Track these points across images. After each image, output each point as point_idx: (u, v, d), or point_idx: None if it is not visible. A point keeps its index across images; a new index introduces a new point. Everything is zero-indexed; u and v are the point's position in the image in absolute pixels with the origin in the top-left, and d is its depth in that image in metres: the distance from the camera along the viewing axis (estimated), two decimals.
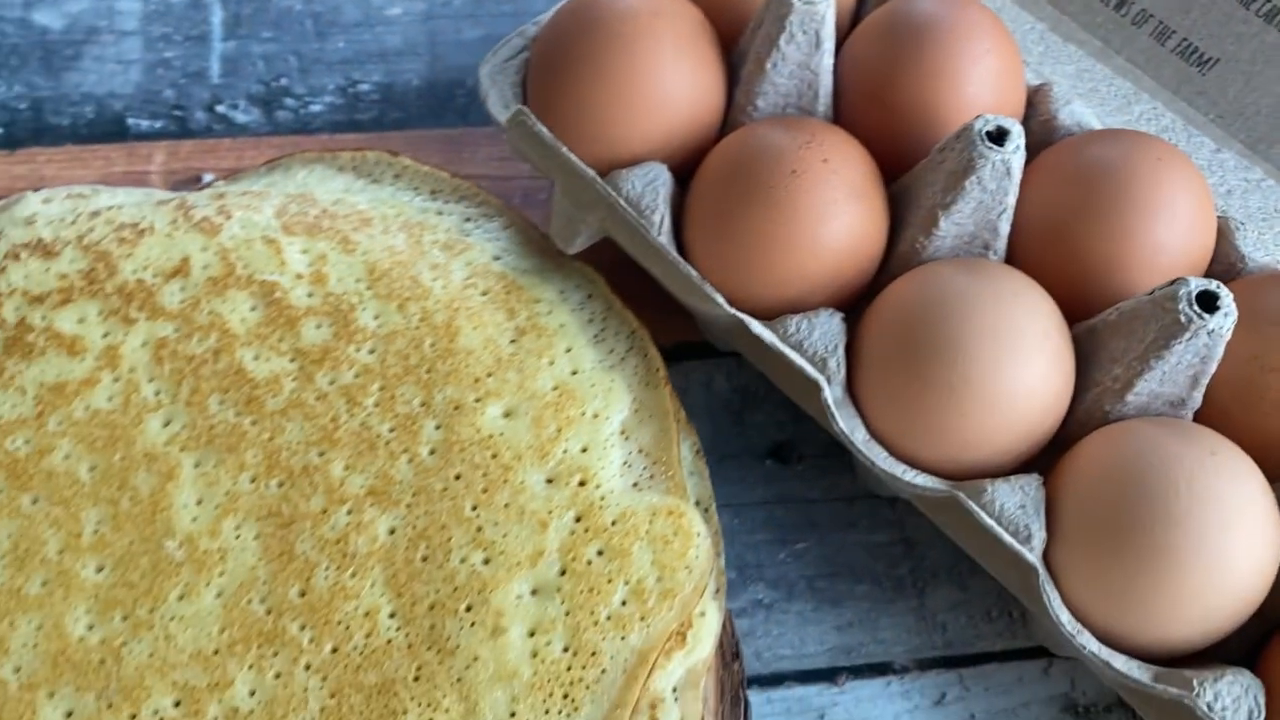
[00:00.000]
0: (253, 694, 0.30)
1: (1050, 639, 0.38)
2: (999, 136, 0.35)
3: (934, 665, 0.39)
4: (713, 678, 0.32)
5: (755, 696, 0.38)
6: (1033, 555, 0.33)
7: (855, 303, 0.38)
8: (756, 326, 0.35)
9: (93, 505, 0.32)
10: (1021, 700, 0.38)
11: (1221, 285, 0.33)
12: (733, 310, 0.35)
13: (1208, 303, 0.33)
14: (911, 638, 0.39)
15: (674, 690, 0.31)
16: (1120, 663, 0.33)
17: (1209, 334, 0.33)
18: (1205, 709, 0.31)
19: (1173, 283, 0.33)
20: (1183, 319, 0.32)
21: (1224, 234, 0.39)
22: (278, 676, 0.30)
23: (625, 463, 0.33)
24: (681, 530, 0.32)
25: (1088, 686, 0.39)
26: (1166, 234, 0.37)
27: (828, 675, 0.39)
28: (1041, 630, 0.38)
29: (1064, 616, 0.33)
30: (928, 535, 0.41)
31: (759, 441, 0.42)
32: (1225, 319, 0.33)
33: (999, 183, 0.35)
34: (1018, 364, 0.34)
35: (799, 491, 0.41)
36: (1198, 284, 0.33)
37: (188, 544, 0.31)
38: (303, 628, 0.30)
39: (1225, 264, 0.39)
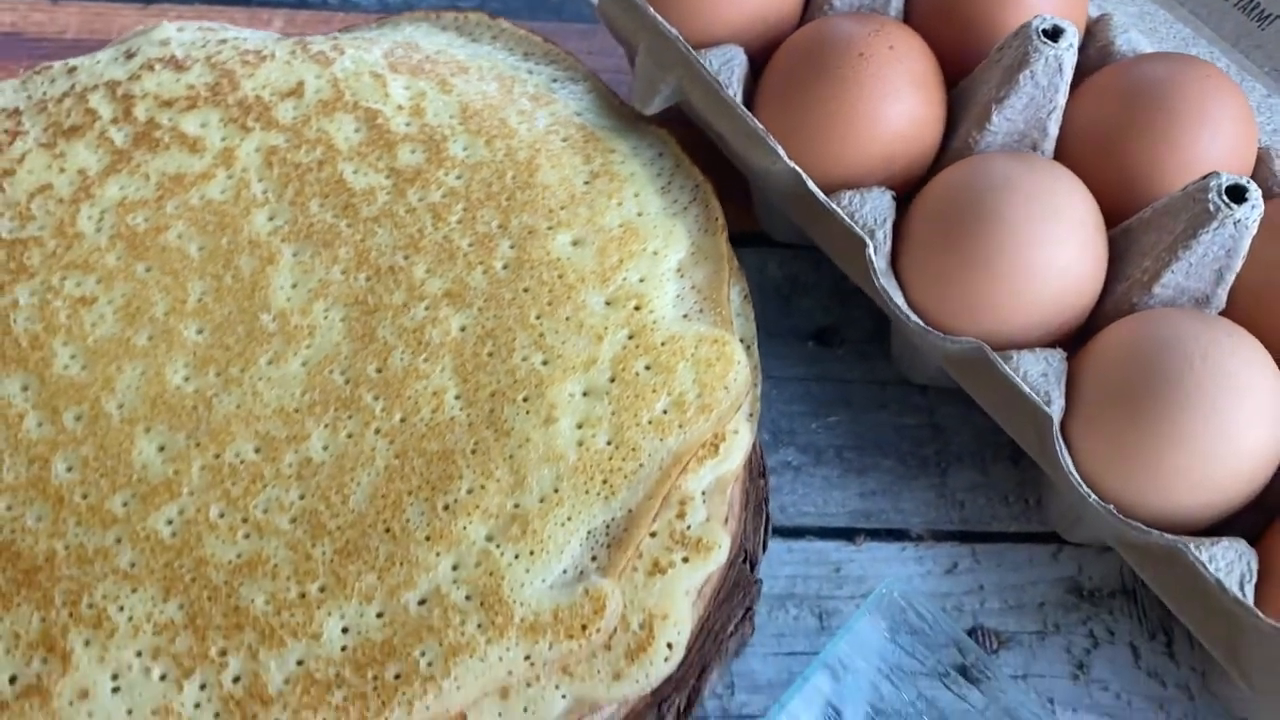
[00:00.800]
0: (325, 448, 0.33)
1: (1063, 522, 0.40)
2: (1054, 34, 0.37)
3: (949, 538, 0.41)
4: (739, 488, 0.35)
5: (776, 545, 0.41)
6: (1050, 409, 0.35)
7: (908, 190, 0.41)
8: (811, 184, 0.38)
9: (199, 278, 0.35)
10: (1029, 579, 0.41)
11: (1251, 181, 0.35)
12: (792, 164, 0.38)
13: (1237, 195, 0.35)
14: (930, 511, 0.41)
15: (703, 493, 0.34)
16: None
17: (1235, 224, 0.35)
18: (1199, 561, 0.33)
19: (1205, 176, 0.35)
20: (1211, 208, 0.35)
21: (1264, 160, 0.41)
22: (349, 436, 0.33)
23: (679, 295, 0.36)
24: (724, 356, 0.35)
25: (1094, 572, 0.41)
26: (1207, 148, 0.39)
27: (847, 534, 0.41)
28: (1055, 514, 0.40)
29: (1072, 468, 0.35)
30: (955, 422, 0.43)
31: (804, 325, 0.45)
32: (1252, 210, 0.35)
33: (1050, 79, 0.38)
34: (1051, 243, 0.36)
35: (837, 372, 0.44)
36: (1228, 177, 0.35)
37: (280, 319, 0.35)
38: (376, 398, 0.34)
39: (1263, 187, 0.41)
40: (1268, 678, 0.32)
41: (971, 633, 0.39)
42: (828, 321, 0.45)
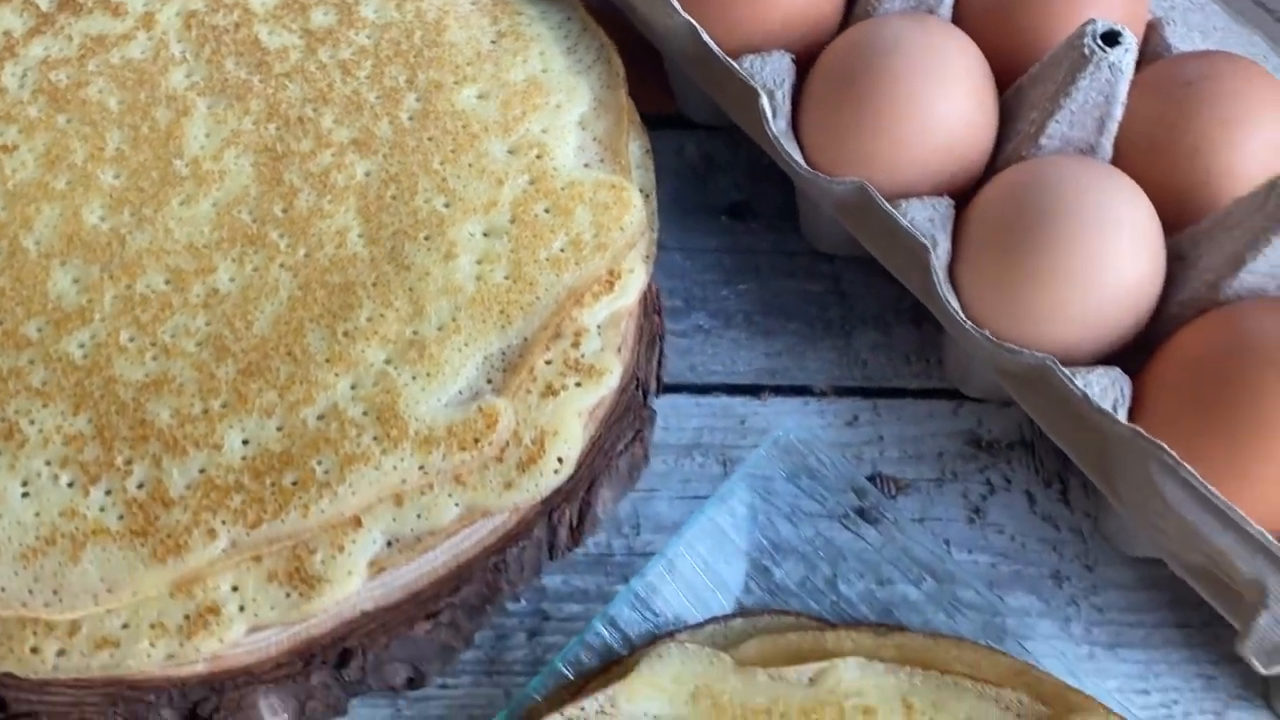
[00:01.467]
0: (232, 280, 0.34)
1: (958, 373, 0.42)
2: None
3: (851, 393, 0.43)
4: (633, 323, 0.36)
5: (686, 400, 0.42)
6: (932, 250, 0.37)
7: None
8: (706, 37, 0.39)
9: (117, 129, 0.37)
10: (929, 431, 0.42)
11: (1125, 27, 0.36)
12: (687, 16, 0.39)
13: (1111, 39, 0.36)
14: (833, 369, 0.43)
15: (598, 326, 0.35)
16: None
17: (1110, 67, 0.36)
18: (1065, 375, 0.34)
19: (1082, 24, 0.37)
20: (1086, 52, 0.36)
21: (1154, 28, 0.42)
22: (255, 269, 0.34)
23: (580, 146, 0.38)
24: (620, 200, 0.36)
25: (993, 425, 0.42)
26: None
27: (753, 390, 0.42)
28: (951, 366, 0.42)
29: (951, 300, 0.36)
30: (860, 288, 0.44)
31: (718, 201, 0.46)
32: (1125, 54, 0.36)
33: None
34: (938, 97, 0.38)
35: (748, 244, 0.46)
36: (1103, 24, 0.36)
37: (193, 164, 0.36)
38: (282, 236, 0.35)
39: (1151, 52, 0.42)
40: (1132, 489, 0.34)
41: (871, 479, 0.41)
42: (740, 197, 0.46)
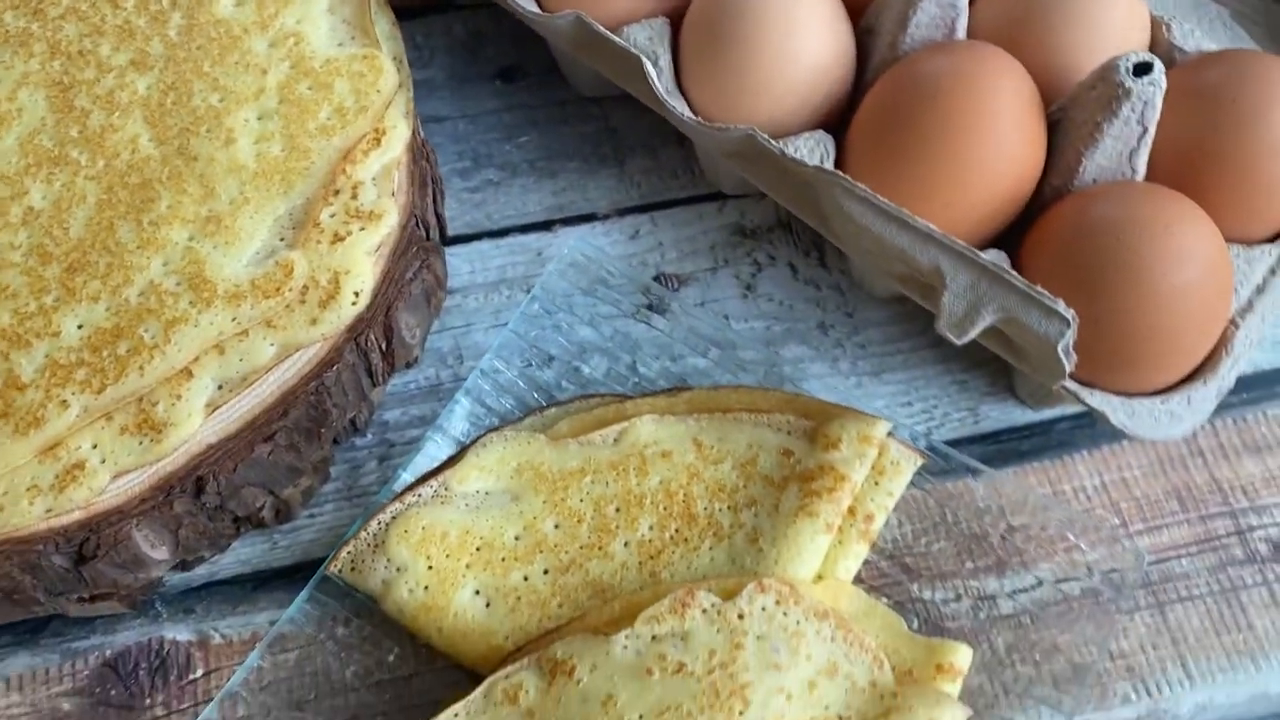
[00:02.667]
0: (44, 198, 0.39)
1: (710, 170, 0.47)
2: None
3: (630, 211, 0.48)
4: (405, 171, 0.41)
5: (487, 245, 0.48)
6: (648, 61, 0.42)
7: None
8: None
9: None
10: (700, 230, 0.48)
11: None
12: None
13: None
14: (613, 194, 0.49)
15: (373, 179, 0.40)
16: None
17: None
18: (762, 136, 0.40)
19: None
20: None
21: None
22: (63, 185, 0.39)
23: (331, 29, 0.43)
24: (373, 68, 0.41)
25: (754, 215, 0.48)
26: None
27: (545, 225, 0.48)
28: (705, 168, 0.48)
29: (678, 104, 0.42)
30: (627, 124, 0.50)
31: (489, 69, 0.52)
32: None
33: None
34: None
35: (522, 101, 0.51)
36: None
37: None
38: (81, 153, 0.40)
39: None
40: (840, 224, 0.40)
41: (656, 279, 0.47)
42: (509, 62, 0.52)
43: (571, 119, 0.50)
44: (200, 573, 0.41)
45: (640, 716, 0.35)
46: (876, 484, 0.39)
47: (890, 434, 0.39)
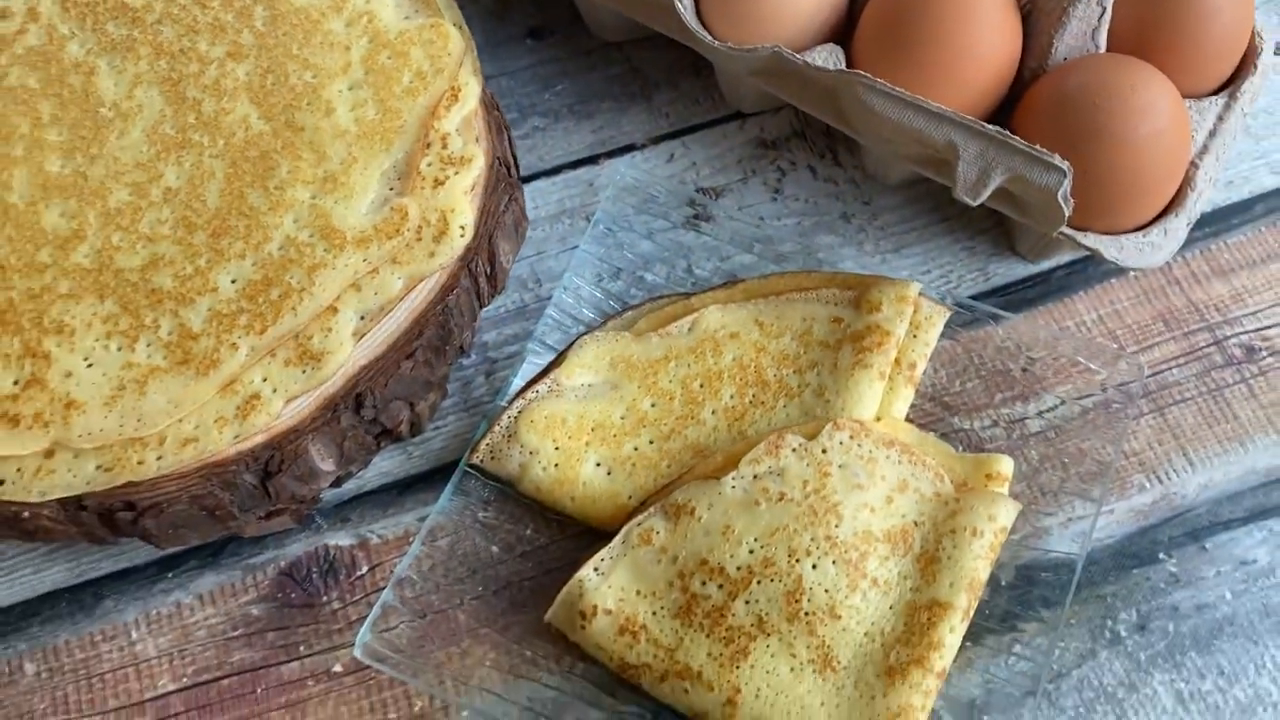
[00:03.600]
0: (178, 178, 0.45)
1: (733, 95, 0.54)
2: None
3: (663, 138, 0.55)
4: (481, 120, 0.48)
5: (543, 182, 0.54)
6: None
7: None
8: None
9: (44, 100, 0.46)
10: (727, 148, 0.55)
11: None
12: None
13: None
14: (645, 126, 0.55)
15: (456, 130, 0.47)
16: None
17: None
18: (794, 57, 0.47)
19: None
20: None
21: None
22: (192, 165, 0.45)
23: (397, 5, 0.49)
24: (441, 34, 0.47)
25: (772, 128, 0.55)
26: None
27: (591, 160, 0.55)
28: (726, 91, 0.54)
29: (701, 31, 0.49)
30: (649, 62, 0.57)
31: (519, 29, 0.58)
32: None
33: None
34: None
35: (552, 55, 0.57)
36: None
37: (114, 107, 0.46)
38: (201, 136, 0.46)
39: None
40: (861, 120, 0.47)
41: (696, 193, 0.53)
42: (536, 22, 0.58)
43: (599, 64, 0.57)
44: (349, 487, 0.47)
45: (755, 539, 0.42)
46: (915, 336, 0.47)
47: (921, 293, 0.47)
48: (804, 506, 0.42)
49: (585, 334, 0.48)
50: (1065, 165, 0.42)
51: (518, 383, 0.47)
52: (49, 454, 0.41)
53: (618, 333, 0.48)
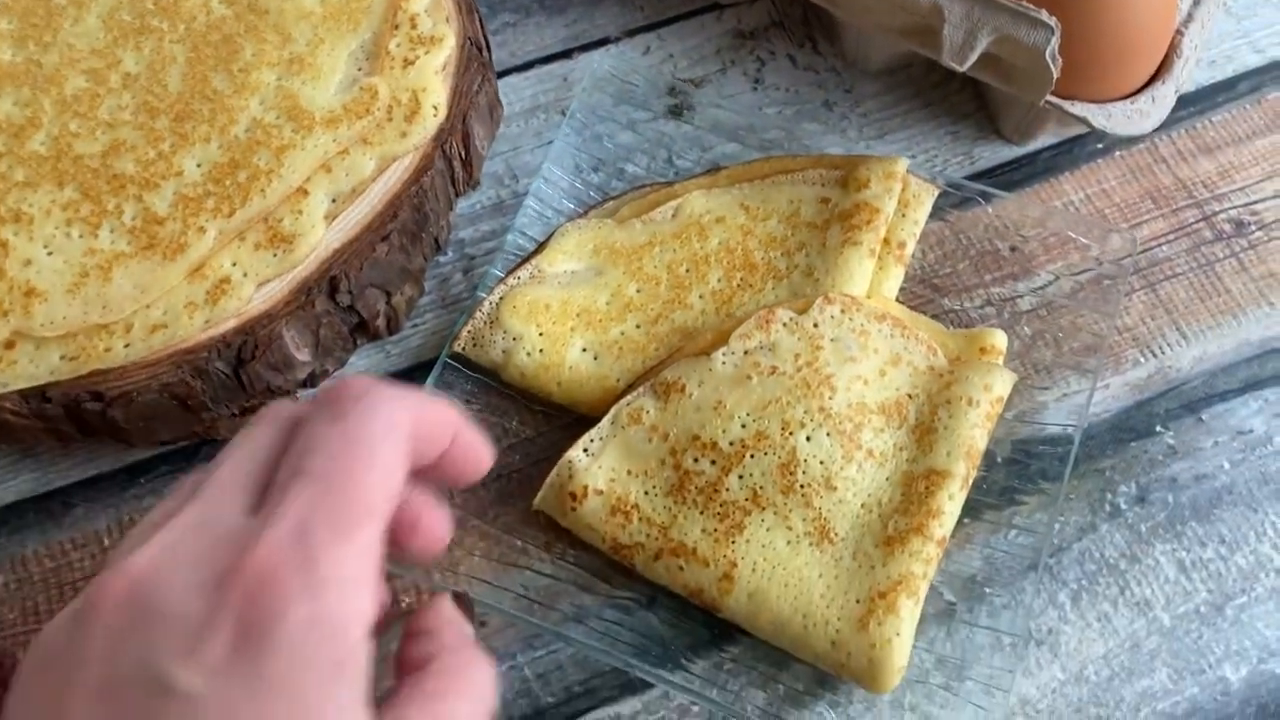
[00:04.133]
0: (137, 63, 0.43)
1: None
2: None
3: (639, 31, 0.54)
4: (451, 1, 0.46)
5: (515, 78, 0.53)
6: None
7: None
8: None
9: None
10: (705, 39, 0.54)
11: None
12: None
13: None
14: (619, 19, 0.54)
15: (425, 10, 0.45)
16: None
17: None
18: None
19: None
20: None
21: None
22: (151, 50, 0.43)
23: None
24: None
25: (749, 18, 0.54)
26: None
27: (565, 55, 0.53)
28: None
29: None
30: None
31: None
32: None
33: None
34: None
35: None
36: None
37: None
38: (161, 22, 0.44)
39: None
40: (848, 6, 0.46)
41: (673, 86, 0.52)
42: None
43: None
44: (325, 385, 0.46)
45: (747, 413, 0.41)
46: (904, 215, 0.46)
47: (909, 171, 0.46)
48: (796, 379, 0.41)
49: (567, 223, 0.47)
50: (1053, 21, 0.41)
51: (498, 273, 0.46)
52: (9, 344, 0.39)
53: (600, 220, 0.46)
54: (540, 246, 0.46)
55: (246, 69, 0.43)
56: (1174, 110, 0.49)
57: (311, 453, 0.24)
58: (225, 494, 0.25)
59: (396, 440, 0.25)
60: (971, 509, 0.43)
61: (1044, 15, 0.41)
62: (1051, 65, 0.42)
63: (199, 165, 0.41)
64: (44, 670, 0.24)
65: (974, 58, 0.44)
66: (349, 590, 0.23)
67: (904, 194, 0.46)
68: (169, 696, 0.22)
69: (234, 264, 0.41)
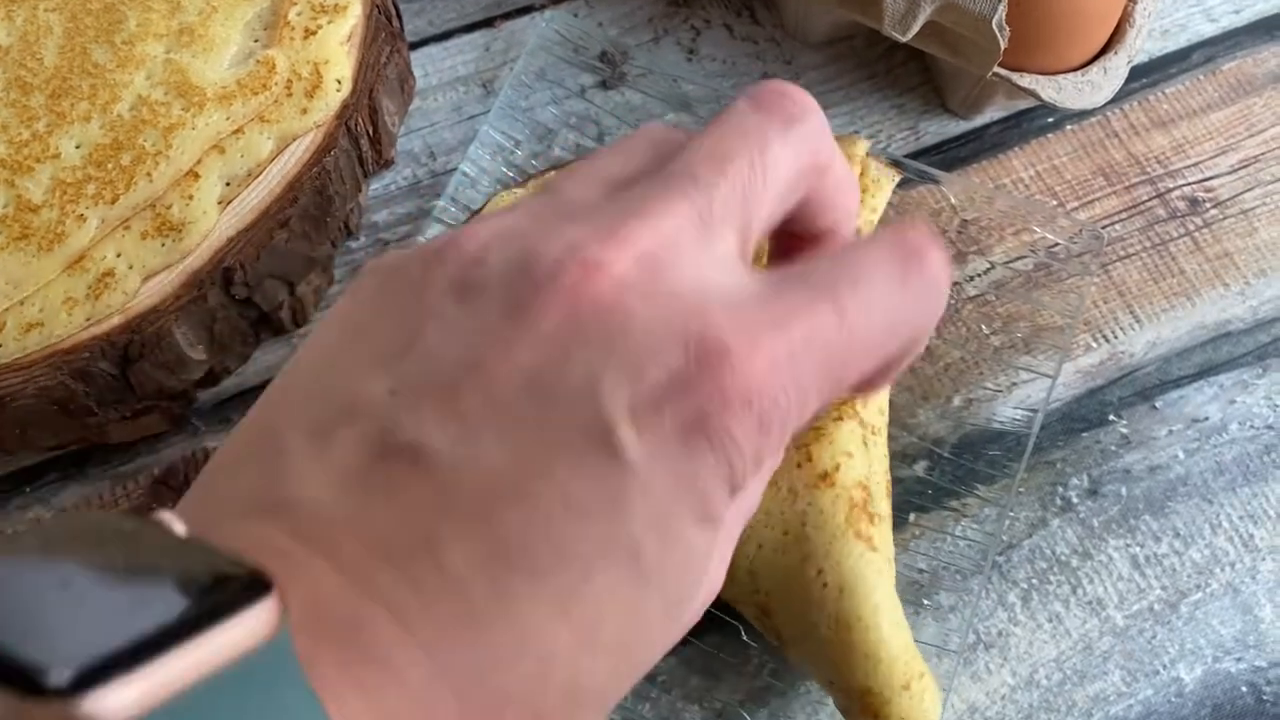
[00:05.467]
0: (8, 34, 0.39)
1: None
2: None
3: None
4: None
5: (435, 49, 0.49)
6: None
7: None
8: None
9: None
10: (636, 5, 0.50)
11: None
12: None
13: None
14: None
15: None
16: None
17: None
18: None
19: None
20: None
21: None
22: (25, 20, 0.39)
23: None
24: None
25: None
26: None
27: (487, 23, 0.50)
28: None
29: None
30: None
31: None
32: None
33: None
34: None
35: None
36: None
37: None
38: None
39: None
40: None
41: (602, 55, 0.49)
42: None
43: None
44: (229, 385, 0.43)
45: None
46: (862, 202, 0.43)
47: (868, 154, 0.43)
48: None
49: (504, 190, 0.43)
50: None
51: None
52: None
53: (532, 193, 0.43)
54: (474, 215, 0.43)
55: (131, 40, 0.39)
56: (1125, 82, 0.46)
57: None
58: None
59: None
60: (917, 507, 0.41)
61: None
62: (999, 35, 0.40)
63: (78, 147, 0.38)
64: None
65: (917, 27, 0.41)
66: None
67: (863, 179, 0.43)
68: (599, 452, 0.19)
69: (118, 255, 0.37)
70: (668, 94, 0.47)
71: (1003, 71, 0.42)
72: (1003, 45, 0.40)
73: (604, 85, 0.48)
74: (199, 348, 0.39)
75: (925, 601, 0.40)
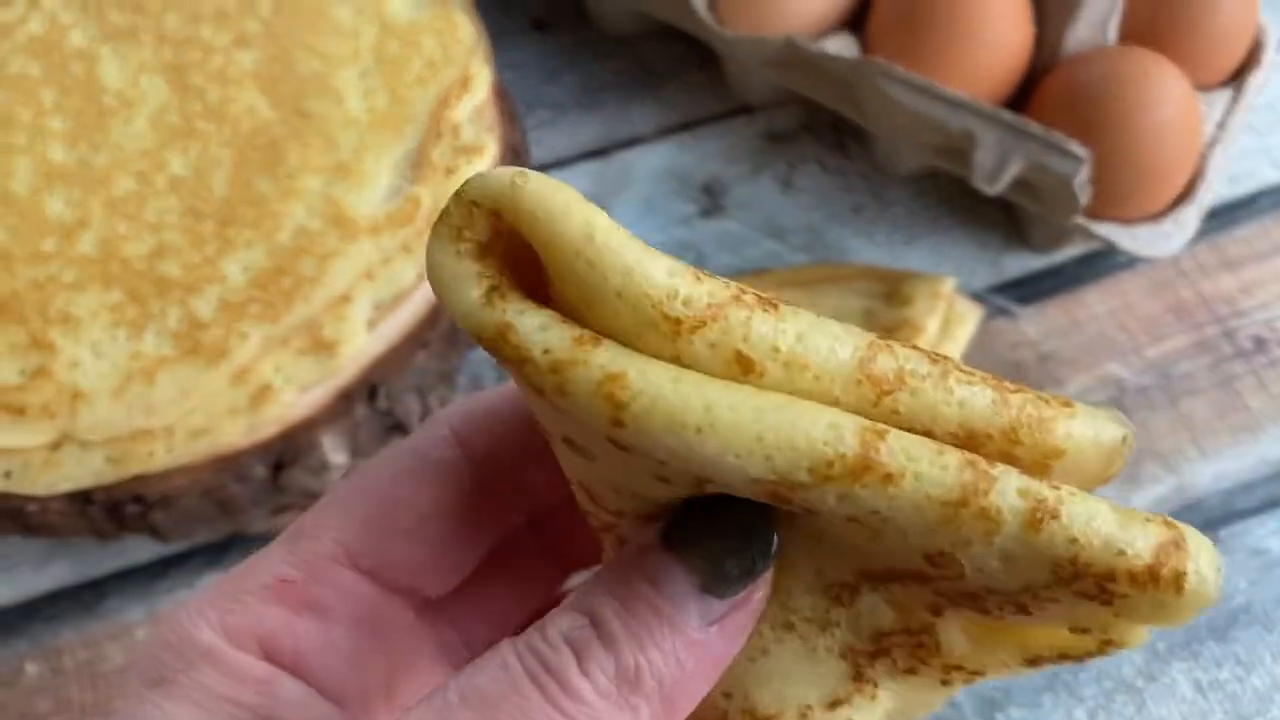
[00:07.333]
0: (184, 166, 0.44)
1: (739, 87, 0.54)
2: None
3: (672, 131, 0.55)
4: (492, 109, 0.47)
5: (552, 175, 0.53)
6: None
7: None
8: None
9: (46, 88, 0.45)
10: (736, 141, 0.54)
11: None
12: None
13: None
14: (653, 118, 0.55)
15: (468, 119, 0.46)
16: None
17: None
18: (807, 45, 0.47)
19: None
20: None
21: None
22: (198, 154, 0.44)
23: None
24: (452, 23, 0.47)
25: (779, 122, 0.55)
26: None
27: (599, 153, 0.54)
28: (733, 82, 0.54)
29: (713, 23, 0.48)
30: (654, 56, 0.56)
31: (522, 21, 0.57)
32: None
33: None
34: None
35: (556, 49, 0.57)
36: None
37: (118, 95, 0.45)
38: (207, 124, 0.45)
39: None
40: (875, 107, 0.47)
41: (706, 187, 0.53)
42: (539, 13, 0.57)
43: (604, 57, 0.56)
44: None
45: None
46: (946, 334, 0.47)
47: (954, 290, 0.47)
48: None
49: None
50: (1083, 152, 0.42)
51: None
52: (55, 446, 0.40)
53: None
54: None
55: (292, 174, 0.44)
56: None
57: None
58: None
59: None
60: None
61: (1074, 146, 0.42)
62: (1079, 193, 0.43)
63: (244, 270, 0.42)
64: None
65: (1004, 183, 0.45)
66: None
67: (948, 312, 0.47)
68: None
69: (275, 370, 0.41)
70: (763, 224, 0.51)
71: (1083, 220, 0.46)
72: (1083, 202, 0.44)
73: (704, 214, 0.52)
74: (341, 453, 0.43)
75: (998, 716, 0.43)
